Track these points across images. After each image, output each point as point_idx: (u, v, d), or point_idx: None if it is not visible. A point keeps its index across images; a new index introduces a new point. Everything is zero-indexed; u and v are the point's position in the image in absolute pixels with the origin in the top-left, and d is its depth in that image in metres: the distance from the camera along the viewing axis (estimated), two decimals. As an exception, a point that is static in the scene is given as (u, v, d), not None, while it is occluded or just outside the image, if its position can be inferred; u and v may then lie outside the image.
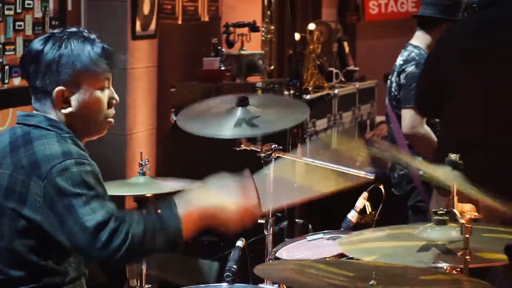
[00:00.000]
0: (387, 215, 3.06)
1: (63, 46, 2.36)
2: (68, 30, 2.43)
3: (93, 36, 2.42)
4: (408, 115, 4.01)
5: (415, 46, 4.22)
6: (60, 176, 2.23)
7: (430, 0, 4.24)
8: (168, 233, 2.23)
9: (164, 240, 2.22)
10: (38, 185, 2.25)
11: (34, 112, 2.40)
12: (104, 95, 2.42)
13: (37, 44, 2.39)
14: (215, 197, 2.33)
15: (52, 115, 2.38)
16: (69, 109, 2.38)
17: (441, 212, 2.32)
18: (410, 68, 4.13)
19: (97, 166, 2.34)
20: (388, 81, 4.29)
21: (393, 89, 4.20)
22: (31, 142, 2.32)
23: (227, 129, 3.08)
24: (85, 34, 2.42)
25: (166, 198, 2.32)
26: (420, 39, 4.26)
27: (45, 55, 2.35)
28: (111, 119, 2.46)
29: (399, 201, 4.19)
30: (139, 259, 2.76)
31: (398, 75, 4.18)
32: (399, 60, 4.23)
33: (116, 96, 2.46)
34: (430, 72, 3.58)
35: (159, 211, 2.27)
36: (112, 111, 2.46)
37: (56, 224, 2.23)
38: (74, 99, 2.38)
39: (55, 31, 2.43)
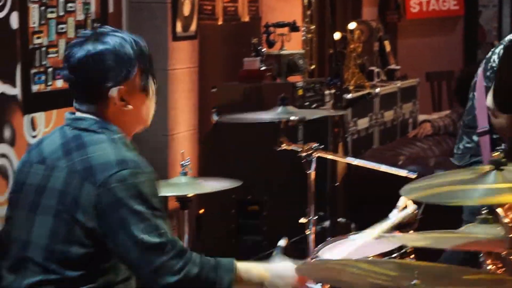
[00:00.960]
0: (431, 208, 3.02)
1: (111, 43, 2.34)
2: (98, 30, 2.41)
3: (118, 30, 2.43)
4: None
5: None
6: (117, 186, 2.23)
7: None
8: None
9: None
10: (91, 191, 2.25)
11: (83, 115, 2.37)
12: (153, 87, 2.42)
13: (81, 48, 2.35)
14: (271, 276, 2.38)
15: (102, 116, 2.36)
16: (129, 107, 2.37)
17: (485, 211, 2.30)
18: None
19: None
20: (490, 52, 4.19)
21: (492, 60, 4.09)
22: (84, 147, 2.31)
23: (267, 116, 3.15)
24: (114, 30, 2.42)
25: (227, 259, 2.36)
26: None
27: (95, 56, 2.33)
28: (153, 110, 2.48)
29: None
30: None
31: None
32: (511, 36, 4.12)
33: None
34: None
35: (216, 260, 2.32)
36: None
37: (107, 232, 2.25)
38: (131, 94, 2.36)
39: (86, 32, 2.42)
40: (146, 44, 2.44)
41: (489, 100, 3.85)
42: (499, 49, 4.04)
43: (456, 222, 3.30)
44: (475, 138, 3.99)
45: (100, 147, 2.31)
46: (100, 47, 2.33)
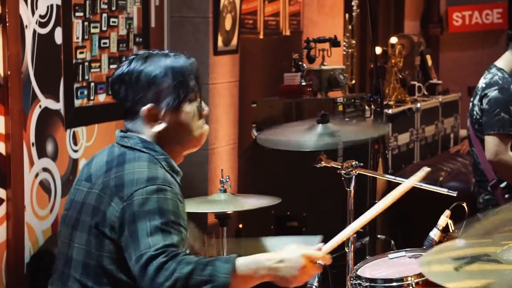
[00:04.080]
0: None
1: (148, 63, 2.40)
2: (147, 50, 2.48)
3: (168, 52, 2.47)
4: (491, 142, 3.95)
5: (499, 69, 4.12)
6: (138, 200, 2.26)
7: None
8: (213, 285, 2.18)
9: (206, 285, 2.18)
10: (117, 206, 2.29)
11: (131, 133, 2.43)
12: (192, 106, 2.44)
13: (123, 67, 2.43)
14: (277, 267, 2.27)
15: (145, 135, 2.41)
16: (162, 126, 2.41)
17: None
18: (493, 93, 4.04)
19: (180, 189, 2.36)
20: (470, 104, 4.22)
21: (475, 113, 4.13)
22: (123, 164, 2.36)
23: (308, 143, 3.10)
24: (162, 51, 2.47)
25: (233, 252, 2.30)
26: (505, 61, 4.15)
27: (130, 75, 2.39)
28: (205, 130, 2.48)
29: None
30: None
31: (481, 99, 4.09)
32: (482, 83, 4.15)
33: (205, 106, 2.49)
34: None
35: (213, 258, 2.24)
36: (203, 121, 2.48)
37: (124, 245, 2.27)
38: (164, 115, 2.40)
39: (136, 53, 2.48)
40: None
41: (488, 152, 3.88)
42: (477, 100, 4.07)
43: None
44: (489, 189, 4.02)
45: (137, 165, 2.35)
46: (149, 67, 2.39)
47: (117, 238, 2.28)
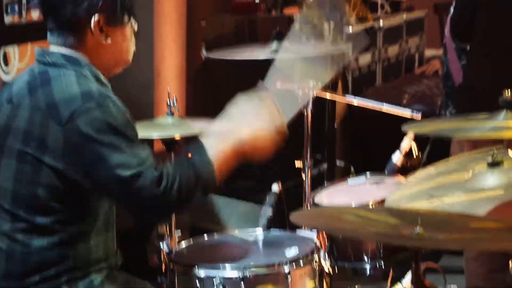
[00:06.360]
0: (436, 151, 3.05)
1: None
2: None
3: None
4: None
5: None
6: (83, 121, 2.24)
7: None
8: (201, 180, 2.29)
9: (198, 186, 2.29)
10: (57, 130, 2.25)
11: (53, 49, 2.39)
12: (132, 22, 2.45)
13: None
14: (242, 129, 2.38)
15: (81, 50, 2.37)
16: (108, 40, 2.38)
17: (495, 154, 2.29)
18: None
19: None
20: (452, 8, 4.18)
21: None
22: (49, 83, 2.32)
23: (261, 54, 3.14)
24: None
25: (195, 141, 2.35)
26: None
27: None
28: (134, 50, 2.49)
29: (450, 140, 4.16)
30: (180, 207, 2.58)
31: None
32: None
33: (135, 23, 2.48)
34: None
35: (189, 155, 2.32)
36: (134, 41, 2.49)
37: (83, 172, 2.26)
38: (110, 28, 2.38)
39: None
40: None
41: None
42: None
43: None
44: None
45: (65, 82, 2.31)
46: None
47: (64, 166, 2.26)
